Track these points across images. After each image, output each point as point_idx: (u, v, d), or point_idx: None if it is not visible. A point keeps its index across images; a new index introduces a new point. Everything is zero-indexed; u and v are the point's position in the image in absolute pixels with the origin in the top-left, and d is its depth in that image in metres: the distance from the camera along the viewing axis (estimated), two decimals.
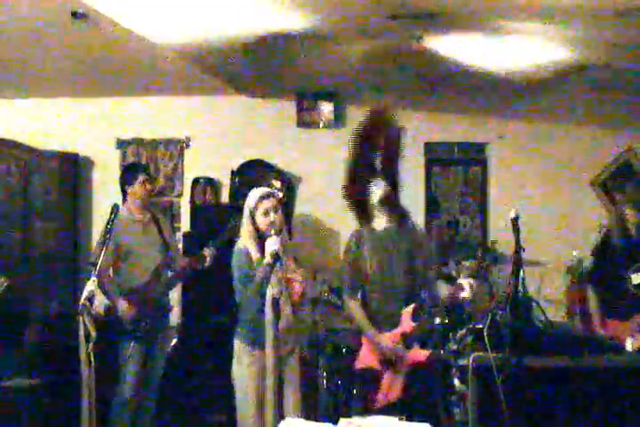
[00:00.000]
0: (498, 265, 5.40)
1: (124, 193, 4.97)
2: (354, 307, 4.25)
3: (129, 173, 5.00)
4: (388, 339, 4.11)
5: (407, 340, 4.07)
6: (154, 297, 4.79)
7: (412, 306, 4.09)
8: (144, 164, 6.57)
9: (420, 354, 4.05)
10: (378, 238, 4.23)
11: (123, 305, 4.65)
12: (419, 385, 4.06)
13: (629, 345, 3.85)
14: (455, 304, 4.11)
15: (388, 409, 3.86)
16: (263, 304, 3.80)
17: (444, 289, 4.16)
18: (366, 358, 4.20)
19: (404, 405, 3.98)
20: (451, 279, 4.03)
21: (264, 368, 3.80)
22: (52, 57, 5.23)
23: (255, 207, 3.92)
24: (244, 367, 3.97)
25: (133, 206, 4.92)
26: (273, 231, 3.81)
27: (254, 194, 3.97)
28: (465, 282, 3.91)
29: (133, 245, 4.81)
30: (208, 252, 4.82)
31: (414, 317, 4.05)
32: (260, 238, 3.90)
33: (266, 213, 3.89)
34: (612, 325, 4.59)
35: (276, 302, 3.67)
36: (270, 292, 3.75)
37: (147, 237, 4.89)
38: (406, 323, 4.08)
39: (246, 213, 3.95)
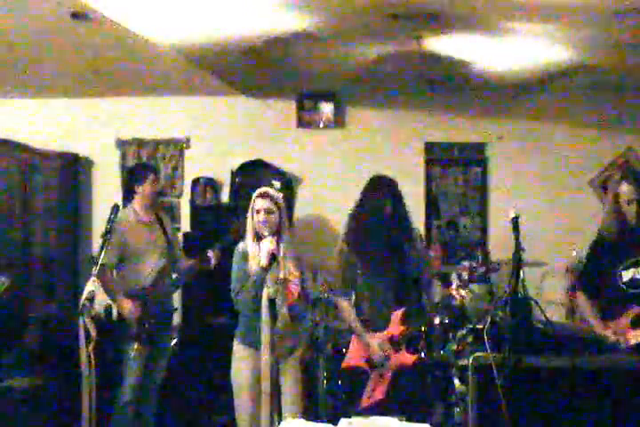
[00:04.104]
0: (496, 266, 5.39)
1: (130, 193, 4.95)
2: (344, 307, 4.22)
3: (139, 172, 4.98)
4: (377, 341, 4.09)
5: (395, 343, 4.05)
6: (158, 298, 4.78)
7: (402, 309, 4.06)
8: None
9: (406, 358, 4.02)
10: (369, 240, 4.18)
11: (127, 306, 4.62)
12: (404, 388, 4.04)
13: (632, 340, 3.82)
14: (451, 308, 4.08)
15: (373, 410, 3.83)
16: (259, 305, 3.81)
17: (439, 290, 4.13)
18: (353, 358, 4.18)
19: (388, 406, 3.95)
20: (447, 281, 4.00)
21: (260, 369, 3.81)
22: (52, 57, 5.22)
23: (253, 206, 3.98)
24: (240, 368, 3.99)
25: (140, 206, 4.90)
26: (267, 232, 3.83)
27: (255, 193, 4.03)
28: (456, 293, 3.87)
29: (139, 246, 4.80)
30: (212, 254, 4.81)
31: (403, 320, 4.03)
32: (259, 238, 3.92)
33: (259, 212, 3.94)
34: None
35: (272, 303, 3.67)
36: (266, 292, 3.76)
37: (151, 237, 4.88)
38: (395, 326, 4.05)
39: (248, 211, 4.01)
